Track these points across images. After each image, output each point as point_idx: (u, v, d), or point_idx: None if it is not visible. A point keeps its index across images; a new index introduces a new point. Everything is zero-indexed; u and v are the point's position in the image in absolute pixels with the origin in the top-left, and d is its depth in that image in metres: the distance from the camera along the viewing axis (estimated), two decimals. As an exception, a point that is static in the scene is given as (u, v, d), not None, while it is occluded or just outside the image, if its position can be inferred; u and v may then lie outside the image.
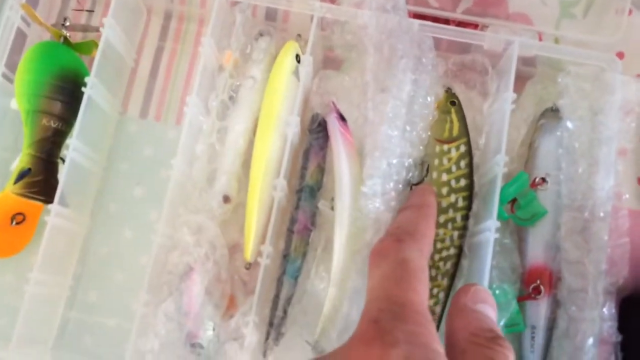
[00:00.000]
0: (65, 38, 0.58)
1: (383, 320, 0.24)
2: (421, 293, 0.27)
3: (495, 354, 0.24)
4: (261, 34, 0.59)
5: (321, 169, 0.56)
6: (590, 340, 0.46)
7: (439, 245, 0.53)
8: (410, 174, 0.54)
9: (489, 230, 0.49)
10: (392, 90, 0.52)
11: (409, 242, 0.32)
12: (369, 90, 0.52)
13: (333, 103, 0.56)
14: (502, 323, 0.50)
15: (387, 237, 0.33)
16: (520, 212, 0.52)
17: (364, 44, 0.54)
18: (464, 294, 0.28)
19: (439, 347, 0.23)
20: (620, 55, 0.59)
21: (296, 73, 0.56)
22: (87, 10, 0.63)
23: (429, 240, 0.33)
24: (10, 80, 0.57)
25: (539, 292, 0.51)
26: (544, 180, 0.53)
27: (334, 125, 0.54)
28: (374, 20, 0.52)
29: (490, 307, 0.28)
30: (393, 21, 0.51)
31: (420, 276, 0.28)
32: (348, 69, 0.60)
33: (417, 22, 0.54)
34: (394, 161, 0.51)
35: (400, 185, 0.53)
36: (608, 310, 0.47)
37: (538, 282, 0.51)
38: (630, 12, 0.58)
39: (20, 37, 0.59)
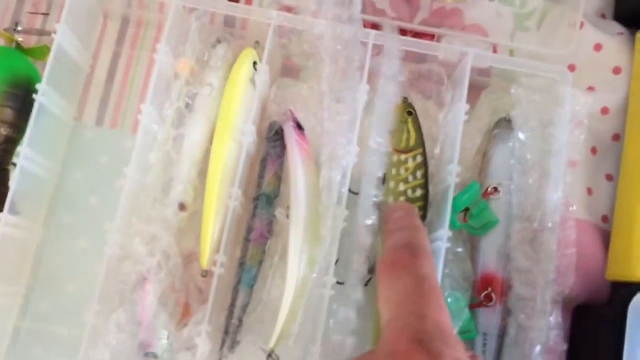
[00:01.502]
0: (18, 43, 0.57)
1: (428, 342, 0.25)
2: (448, 314, 0.28)
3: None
4: (219, 41, 0.59)
5: (278, 178, 0.56)
6: (538, 349, 0.47)
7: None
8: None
9: (441, 239, 0.49)
10: (348, 100, 0.52)
11: (424, 259, 0.33)
12: (325, 101, 0.52)
13: (290, 112, 0.56)
14: (455, 331, 0.51)
15: (400, 249, 0.34)
16: (472, 221, 0.53)
17: (320, 54, 0.54)
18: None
19: None
20: (572, 67, 0.60)
21: (253, 81, 0.56)
22: (42, 14, 0.62)
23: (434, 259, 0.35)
24: (-39, 86, 0.55)
25: (491, 300, 0.52)
26: (496, 189, 0.53)
27: (290, 134, 0.55)
28: (330, 30, 0.52)
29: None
30: (349, 32, 0.52)
31: (442, 295, 0.30)
32: (306, 77, 0.60)
33: (374, 32, 0.54)
34: (349, 171, 0.52)
35: (358, 194, 0.54)
36: (555, 319, 0.48)
37: (490, 290, 0.52)
38: (582, 25, 0.59)
39: (-28, 43, 0.58)
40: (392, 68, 0.55)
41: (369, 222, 0.53)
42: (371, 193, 0.54)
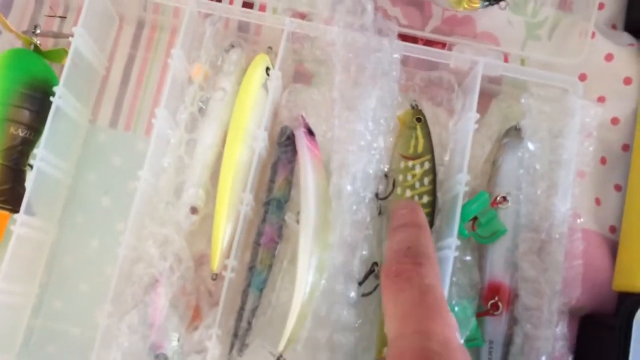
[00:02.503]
0: (36, 46, 0.58)
1: None
2: (454, 326, 0.28)
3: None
4: (232, 46, 0.59)
5: (289, 182, 0.57)
6: (543, 359, 0.48)
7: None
8: (379, 189, 0.55)
9: (449, 247, 0.50)
10: (359, 108, 0.53)
11: (427, 267, 0.31)
12: (336, 108, 0.53)
13: (302, 117, 0.57)
14: (462, 339, 0.51)
15: (403, 258, 0.32)
16: (480, 230, 0.53)
17: (332, 61, 0.54)
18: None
19: None
20: (583, 77, 0.60)
21: (266, 86, 0.57)
22: (59, 17, 0.63)
23: (437, 262, 0.33)
24: (-21, 88, 0.56)
25: (497, 309, 0.52)
26: (504, 199, 0.54)
27: (301, 140, 0.55)
28: (341, 37, 0.53)
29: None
30: (360, 40, 0.52)
31: (446, 306, 0.29)
32: (318, 83, 0.61)
33: (386, 40, 0.54)
34: (359, 177, 0.52)
35: (367, 201, 0.54)
36: (561, 329, 0.48)
37: (496, 298, 0.52)
38: (593, 35, 0.59)
39: (-9, 45, 0.59)
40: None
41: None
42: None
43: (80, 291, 0.57)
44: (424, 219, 0.39)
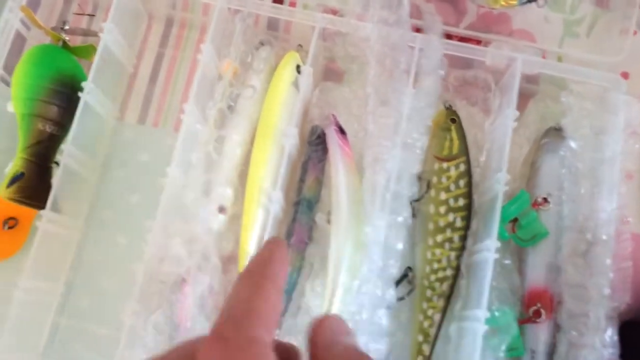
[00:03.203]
0: (64, 42, 0.57)
1: None
2: None
3: None
4: (262, 44, 0.58)
5: (319, 182, 0.55)
6: (590, 367, 0.45)
7: (435, 266, 0.52)
8: (413, 190, 0.54)
9: (489, 250, 0.48)
10: (393, 103, 0.51)
11: (234, 340, 0.23)
12: (370, 103, 0.51)
13: (333, 116, 0.55)
14: (502, 347, 0.49)
15: (209, 337, 0.22)
16: (521, 232, 0.51)
17: (365, 57, 0.53)
18: (325, 331, 0.24)
19: None
20: (625, 75, 0.58)
21: (296, 84, 0.56)
22: (88, 15, 0.63)
23: (264, 320, 0.23)
24: (8, 83, 0.56)
25: (540, 316, 0.50)
26: (545, 200, 0.52)
27: (333, 138, 0.54)
28: (376, 32, 0.51)
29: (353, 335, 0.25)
30: (395, 34, 0.51)
31: None
32: (349, 81, 0.59)
33: (420, 35, 0.53)
34: (394, 174, 0.51)
35: (400, 199, 0.53)
36: (610, 336, 0.46)
37: (538, 305, 0.50)
38: (635, 32, 0.57)
39: (19, 40, 0.58)
40: (432, 65, 0.54)
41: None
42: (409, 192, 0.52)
43: (106, 289, 0.56)
44: (268, 261, 0.25)
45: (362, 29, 0.53)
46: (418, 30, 0.58)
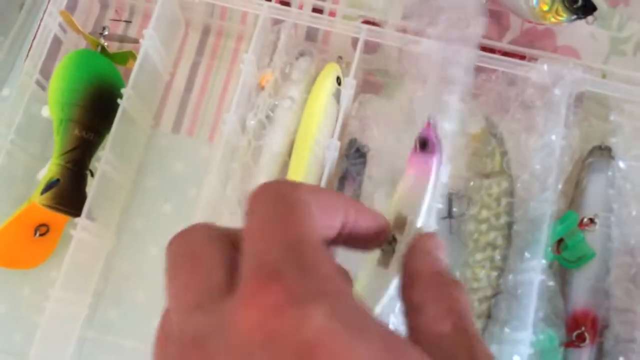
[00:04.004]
0: (103, 47, 0.57)
1: (278, 272, 0.17)
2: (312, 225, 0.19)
3: (457, 292, 0.22)
4: (302, 54, 0.58)
5: (357, 196, 0.54)
6: (641, 395, 0.43)
7: (475, 285, 0.51)
8: (454, 208, 0.53)
9: (534, 270, 0.46)
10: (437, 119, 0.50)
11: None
12: (417, 118, 0.50)
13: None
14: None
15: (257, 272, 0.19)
16: (566, 253, 0.49)
17: (409, 70, 0.52)
18: (428, 240, 0.24)
19: (351, 289, 0.19)
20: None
21: (336, 95, 0.55)
22: (124, 21, 0.62)
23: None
24: (44, 88, 0.55)
25: (584, 340, 0.48)
26: (592, 221, 0.50)
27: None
28: (430, 46, 0.50)
29: (444, 253, 0.24)
30: (448, 50, 0.50)
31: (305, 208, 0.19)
32: (388, 93, 0.58)
33: (468, 51, 0.52)
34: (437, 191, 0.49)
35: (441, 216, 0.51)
36: (661, 364, 0.44)
37: (583, 329, 0.48)
38: (684, 51, 0.56)
39: (56, 45, 0.58)
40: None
41: None
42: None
43: (137, 301, 0.54)
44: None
45: (414, 43, 0.52)
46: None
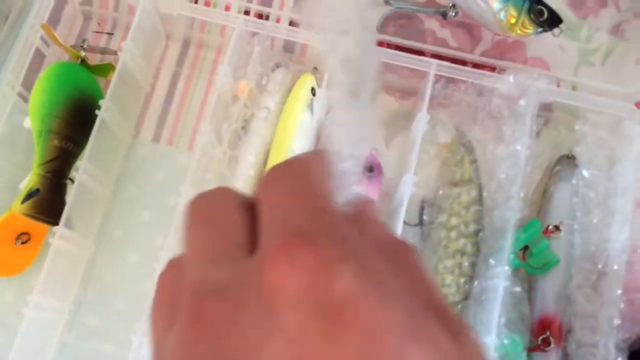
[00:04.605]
0: (83, 59, 0.58)
1: (303, 234, 0.17)
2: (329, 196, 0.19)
3: None
4: (277, 66, 0.59)
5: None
6: (600, 398, 0.45)
7: (444, 291, 0.52)
8: (424, 216, 0.54)
9: (499, 277, 0.48)
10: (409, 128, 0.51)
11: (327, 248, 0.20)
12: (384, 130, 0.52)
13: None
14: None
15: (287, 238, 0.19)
16: (531, 259, 0.51)
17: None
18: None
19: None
20: (639, 105, 0.58)
21: (311, 106, 0.56)
22: (107, 33, 0.64)
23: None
24: (26, 100, 0.57)
25: (548, 344, 0.49)
26: (557, 228, 0.52)
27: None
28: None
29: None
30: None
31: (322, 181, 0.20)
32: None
33: (436, 62, 0.53)
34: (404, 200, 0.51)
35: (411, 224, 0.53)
36: (619, 367, 0.45)
37: (548, 333, 0.50)
38: (649, 62, 0.57)
39: (39, 57, 0.59)
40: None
41: None
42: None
43: (117, 308, 0.56)
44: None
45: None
46: (433, 56, 0.58)
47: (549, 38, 0.58)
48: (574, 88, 0.59)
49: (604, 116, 0.53)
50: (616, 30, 0.60)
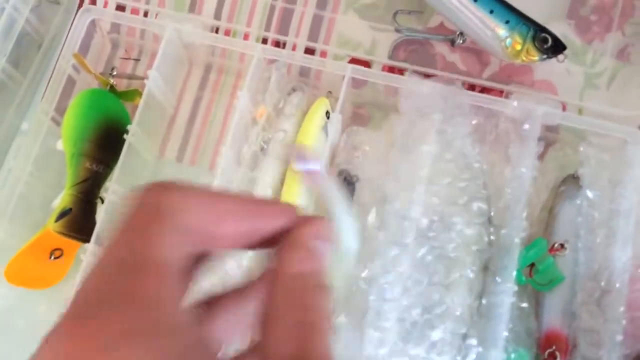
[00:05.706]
0: (112, 86, 0.62)
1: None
2: None
3: (315, 299, 0.20)
4: (294, 90, 0.62)
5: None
6: (603, 412, 0.47)
7: (454, 309, 0.54)
8: (433, 233, 0.56)
9: (506, 293, 0.50)
10: (418, 152, 0.54)
11: None
12: (396, 150, 0.55)
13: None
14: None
15: None
16: (537, 276, 0.53)
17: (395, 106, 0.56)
18: (309, 225, 0.21)
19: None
20: (643, 127, 0.60)
21: (325, 129, 0.59)
22: (133, 59, 0.67)
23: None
24: (58, 123, 0.60)
25: (555, 358, 0.51)
26: (562, 246, 0.54)
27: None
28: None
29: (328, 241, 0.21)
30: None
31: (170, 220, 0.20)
32: (374, 125, 0.62)
33: (452, 88, 0.56)
34: (416, 217, 0.53)
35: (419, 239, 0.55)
36: (622, 381, 0.47)
37: (554, 347, 0.51)
38: (653, 86, 0.59)
39: (70, 84, 0.63)
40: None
41: None
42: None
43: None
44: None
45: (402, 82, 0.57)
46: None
47: (555, 62, 0.60)
48: (580, 111, 0.61)
49: (608, 139, 0.55)
50: (622, 54, 0.62)
